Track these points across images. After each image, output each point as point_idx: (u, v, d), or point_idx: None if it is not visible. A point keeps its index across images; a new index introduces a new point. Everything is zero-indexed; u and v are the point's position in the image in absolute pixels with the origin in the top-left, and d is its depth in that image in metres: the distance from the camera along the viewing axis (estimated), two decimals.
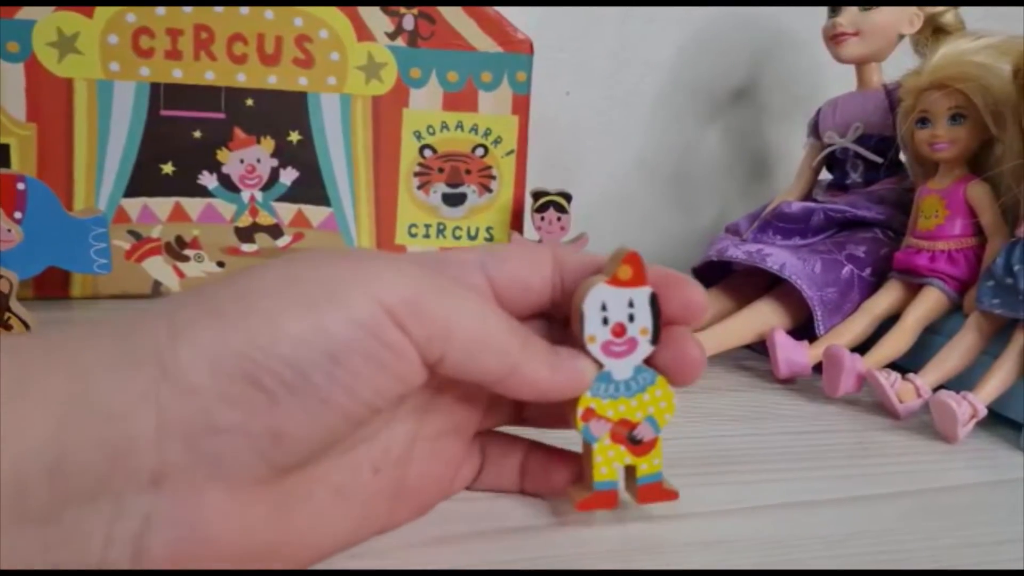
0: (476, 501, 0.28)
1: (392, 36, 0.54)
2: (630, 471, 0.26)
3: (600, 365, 0.25)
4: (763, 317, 0.47)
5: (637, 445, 0.26)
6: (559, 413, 0.26)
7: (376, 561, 0.24)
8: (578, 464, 0.28)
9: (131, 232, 0.52)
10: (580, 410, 0.25)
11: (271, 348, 0.20)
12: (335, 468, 0.23)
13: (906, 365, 0.42)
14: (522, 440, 0.29)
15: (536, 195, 0.57)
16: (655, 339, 0.25)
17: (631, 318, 0.25)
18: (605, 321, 0.24)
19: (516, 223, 0.59)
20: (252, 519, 0.20)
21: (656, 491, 0.26)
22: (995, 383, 0.37)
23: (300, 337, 0.20)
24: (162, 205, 0.53)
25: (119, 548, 0.19)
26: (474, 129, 0.57)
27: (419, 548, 0.25)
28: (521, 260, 0.25)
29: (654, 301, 0.25)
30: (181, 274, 0.54)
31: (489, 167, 0.58)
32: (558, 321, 0.26)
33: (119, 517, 0.19)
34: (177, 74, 0.51)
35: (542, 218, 0.57)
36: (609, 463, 0.26)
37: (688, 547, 0.26)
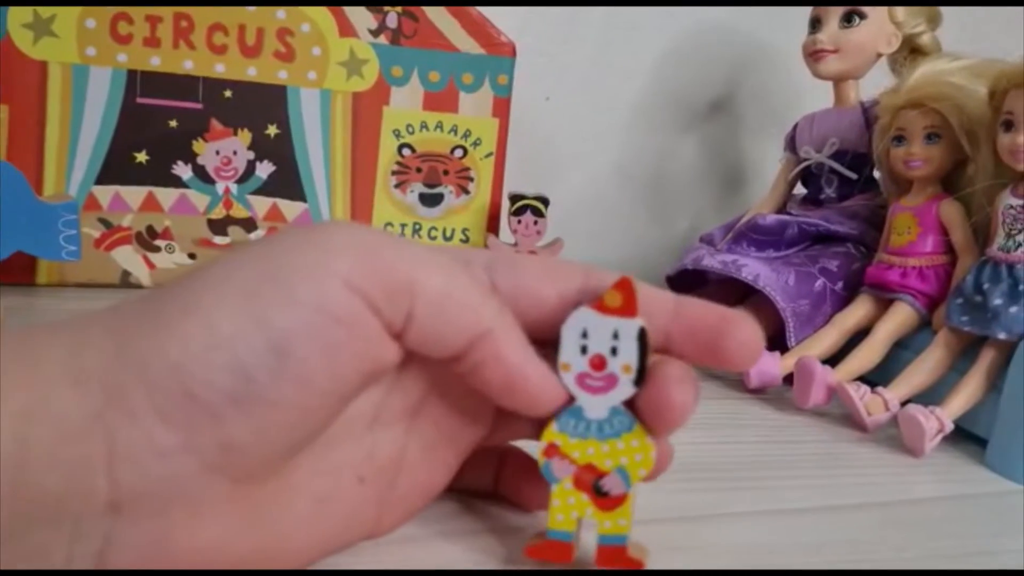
0: (448, 501, 0.28)
1: (375, 33, 0.54)
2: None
3: (572, 399, 0.22)
4: None
5: (602, 497, 0.23)
6: None
7: (351, 559, 0.24)
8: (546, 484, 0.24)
9: (101, 220, 0.51)
10: (543, 444, 0.23)
11: (205, 354, 0.18)
12: (314, 476, 0.22)
13: (875, 379, 0.42)
14: (502, 445, 0.28)
15: (513, 198, 0.57)
16: (639, 380, 0.22)
17: (614, 351, 0.22)
18: (584, 350, 0.22)
19: (492, 226, 0.59)
20: (223, 531, 0.20)
21: (619, 556, 0.23)
22: (962, 399, 0.38)
23: (237, 334, 0.18)
24: (134, 194, 0.52)
25: (80, 564, 0.18)
26: (453, 130, 0.57)
27: (393, 546, 0.25)
28: (538, 271, 0.23)
29: (642, 336, 0.22)
30: (151, 265, 0.53)
31: (467, 169, 0.57)
32: None
33: (79, 538, 0.18)
34: (155, 62, 0.50)
35: (519, 221, 0.56)
36: (567, 511, 0.23)
37: (661, 552, 0.26)
